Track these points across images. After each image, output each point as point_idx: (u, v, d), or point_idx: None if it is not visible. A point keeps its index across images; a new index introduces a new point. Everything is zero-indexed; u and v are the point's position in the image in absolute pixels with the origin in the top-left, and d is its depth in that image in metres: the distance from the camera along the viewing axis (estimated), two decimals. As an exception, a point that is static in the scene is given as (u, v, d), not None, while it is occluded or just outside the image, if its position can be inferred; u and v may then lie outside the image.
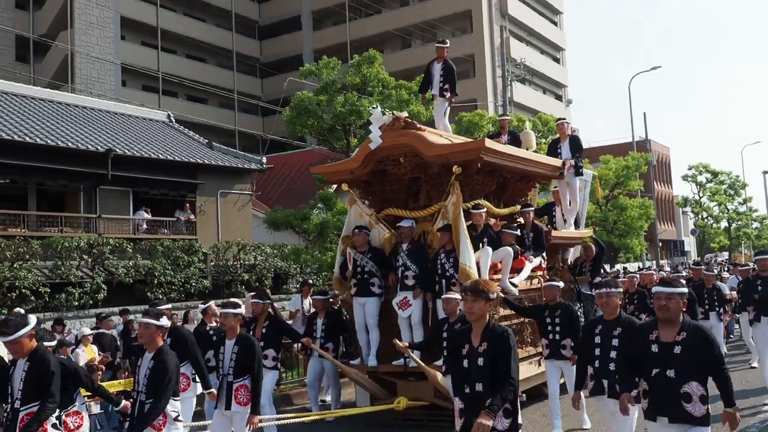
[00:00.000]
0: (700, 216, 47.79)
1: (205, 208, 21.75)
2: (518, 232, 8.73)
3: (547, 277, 9.07)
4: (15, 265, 14.21)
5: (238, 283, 17.98)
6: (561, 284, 7.67)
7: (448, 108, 10.13)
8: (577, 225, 10.68)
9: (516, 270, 8.40)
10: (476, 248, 7.77)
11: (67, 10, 37.01)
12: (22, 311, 10.84)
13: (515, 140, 10.85)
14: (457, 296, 6.64)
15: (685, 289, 4.57)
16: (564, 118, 11.03)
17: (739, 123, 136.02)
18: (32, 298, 13.97)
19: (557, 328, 7.42)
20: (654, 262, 40.02)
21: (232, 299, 6.73)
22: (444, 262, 7.80)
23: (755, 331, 9.65)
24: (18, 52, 37.44)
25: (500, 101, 40.39)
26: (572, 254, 10.91)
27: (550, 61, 51.42)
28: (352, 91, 24.89)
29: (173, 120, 25.52)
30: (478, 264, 7.60)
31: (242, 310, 6.26)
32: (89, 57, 36.20)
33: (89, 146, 18.50)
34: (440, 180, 8.13)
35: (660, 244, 43.21)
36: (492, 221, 8.35)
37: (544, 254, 9.18)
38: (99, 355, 10.21)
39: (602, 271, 10.70)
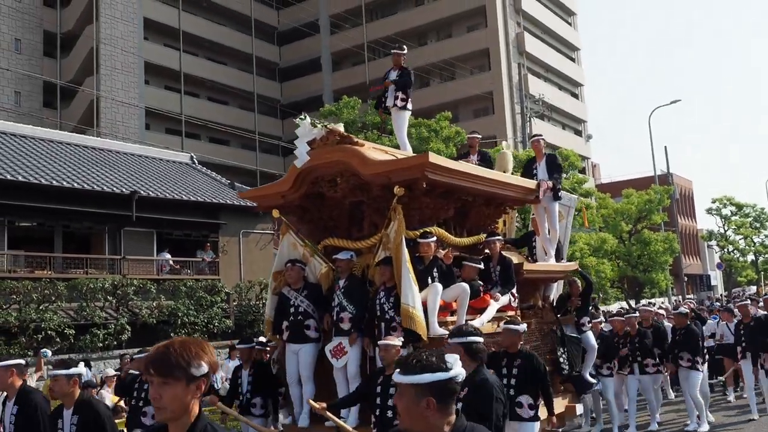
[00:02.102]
0: (726, 250, 47.14)
1: (228, 248, 21.88)
2: (481, 265, 7.28)
3: (518, 318, 7.70)
4: (41, 307, 14.34)
5: (261, 323, 17.97)
6: (522, 327, 6.36)
7: (405, 121, 8.74)
8: (559, 256, 9.28)
9: (478, 310, 7.00)
10: (424, 284, 6.47)
11: (93, 56, 37.93)
12: (49, 353, 10.94)
13: (486, 160, 9.57)
14: (397, 342, 5.78)
15: None
16: (540, 134, 9.69)
17: (762, 155, 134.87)
18: (58, 339, 14.07)
19: (512, 382, 6.11)
20: (680, 296, 39.41)
21: (63, 357, 6.33)
22: (383, 302, 6.47)
23: None
24: (45, 98, 38.34)
25: (519, 137, 40.56)
26: (555, 291, 9.57)
27: (569, 97, 51.55)
28: (372, 130, 25.18)
29: (196, 161, 25.86)
30: (425, 304, 6.32)
31: (79, 370, 5.14)
32: (114, 101, 36.97)
33: (114, 189, 18.78)
34: (384, 204, 6.71)
35: (686, 278, 42.61)
36: (441, 252, 6.88)
37: (514, 291, 7.59)
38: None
39: (591, 309, 9.55)
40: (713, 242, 48.57)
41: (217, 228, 21.78)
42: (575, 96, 53.14)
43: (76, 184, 17.89)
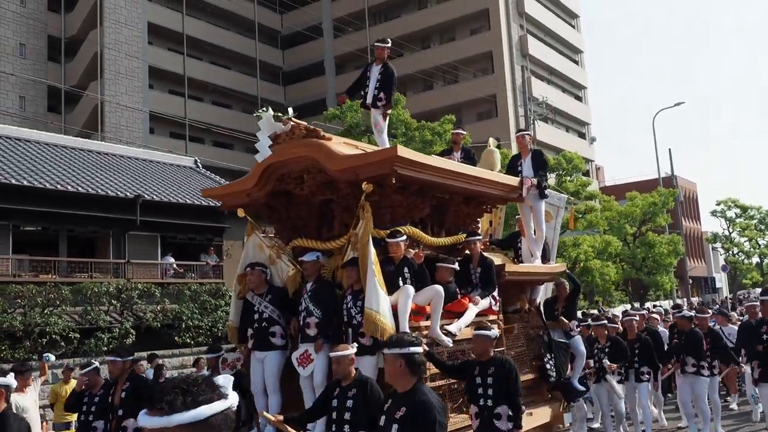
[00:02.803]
0: (730, 252, 46.98)
1: (232, 252, 21.86)
2: (455, 266, 6.80)
3: (500, 323, 7.26)
4: (46, 311, 14.35)
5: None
6: (494, 333, 5.88)
7: (384, 121, 8.15)
8: (545, 257, 8.77)
9: (456, 314, 6.55)
10: (395, 287, 6.07)
11: (97, 61, 37.97)
12: (52, 357, 10.94)
13: (470, 158, 9.11)
14: (349, 352, 5.20)
15: None
16: (525, 130, 9.01)
17: (766, 156, 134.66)
18: (62, 343, 14.07)
19: (489, 392, 5.66)
20: (684, 299, 39.30)
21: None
22: (350, 306, 6.08)
23: (762, 393, 8.18)
24: (50, 102, 38.42)
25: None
26: (542, 294, 9.07)
27: (572, 100, 51.44)
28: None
29: (200, 165, 25.85)
30: (395, 307, 5.90)
31: (6, 381, 5.28)
32: (118, 106, 37.02)
33: (118, 193, 18.80)
34: (354, 202, 6.32)
35: (690, 281, 42.48)
36: (411, 252, 6.41)
37: (495, 294, 7.14)
38: None
39: (577, 312, 9.17)
40: (718, 244, 48.44)
41: (221, 232, 21.78)
42: (579, 98, 53.03)
43: (80, 189, 17.92)
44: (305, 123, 6.40)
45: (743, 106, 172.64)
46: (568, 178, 28.13)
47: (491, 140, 10.01)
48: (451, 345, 6.19)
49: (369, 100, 8.03)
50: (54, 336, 13.90)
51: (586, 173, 37.54)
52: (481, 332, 5.80)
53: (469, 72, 45.00)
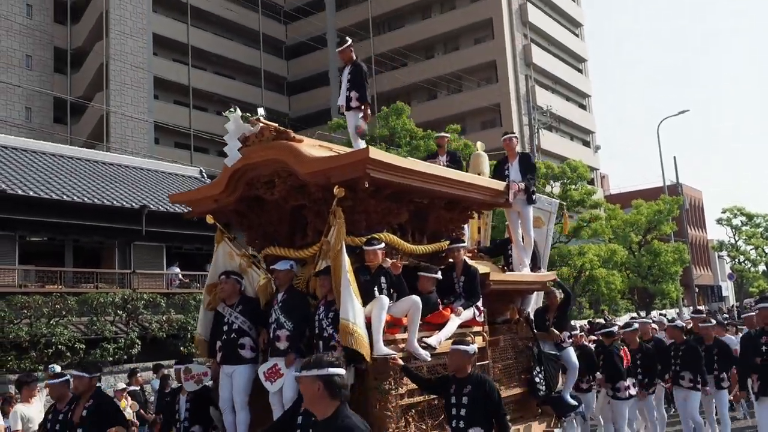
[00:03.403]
0: (737, 260, 46.82)
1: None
2: (437, 275, 6.40)
3: (484, 335, 6.81)
4: (52, 322, 14.36)
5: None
6: (472, 348, 5.45)
7: (362, 121, 7.60)
8: (536, 265, 8.38)
9: (437, 326, 6.19)
10: (371, 297, 5.73)
11: (103, 72, 38.16)
12: (58, 368, 10.98)
13: (456, 161, 8.80)
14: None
15: None
16: (511, 132, 8.76)
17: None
18: (68, 354, 14.08)
19: (462, 412, 5.28)
20: (690, 307, 39.16)
21: None
22: (322, 318, 5.74)
23: (759, 411, 7.58)
24: (56, 113, 38.58)
25: (528, 149, 40.55)
26: (533, 303, 8.69)
27: (577, 108, 51.41)
28: (380, 143, 25.26)
29: (205, 175, 25.88)
30: (369, 319, 5.55)
31: None
32: (124, 116, 37.17)
33: (124, 203, 18.84)
34: (327, 207, 5.96)
35: (696, 289, 42.34)
36: (389, 262, 6.04)
37: (479, 304, 6.76)
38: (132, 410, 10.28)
39: (569, 323, 8.71)
40: (724, 253, 48.24)
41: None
42: (583, 107, 53.02)
43: (86, 199, 17.97)
44: (275, 124, 6.01)
45: (751, 114, 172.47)
46: (573, 186, 28.12)
47: (479, 144, 9.76)
48: (429, 359, 5.82)
49: (342, 102, 7.57)
50: (60, 346, 13.89)
51: (591, 182, 37.52)
52: (458, 347, 5.40)
53: (473, 81, 45.07)
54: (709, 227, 58.05)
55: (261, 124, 6.00)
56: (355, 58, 7.57)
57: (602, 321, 18.81)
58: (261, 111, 6.05)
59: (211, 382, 6.43)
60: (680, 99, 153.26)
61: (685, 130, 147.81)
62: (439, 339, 6.02)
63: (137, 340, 15.27)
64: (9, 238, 17.35)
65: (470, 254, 7.96)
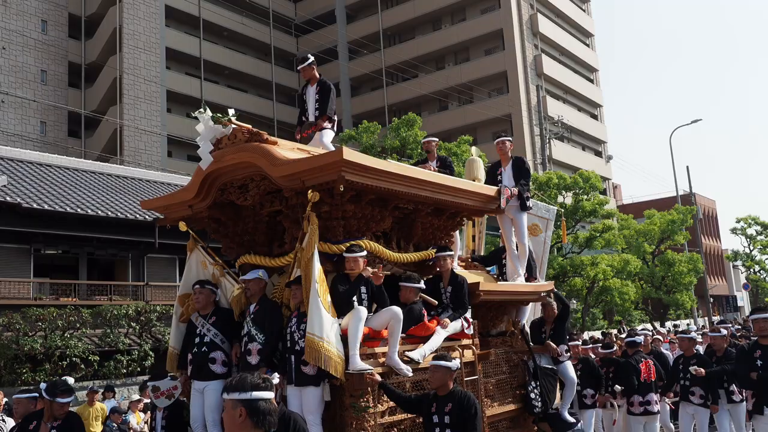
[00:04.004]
0: (752, 270, 46.39)
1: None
2: (420, 285, 6.07)
3: (473, 348, 6.44)
4: (66, 334, 14.47)
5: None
6: (454, 364, 5.11)
7: (329, 135, 7.33)
8: (531, 274, 7.94)
9: (422, 338, 5.87)
10: (349, 307, 5.41)
11: (116, 86, 38.55)
12: (71, 380, 11.05)
13: (447, 166, 8.42)
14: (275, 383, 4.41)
15: None
16: (505, 135, 8.34)
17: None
18: (82, 366, 14.18)
19: None
20: (705, 318, 38.79)
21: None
22: (293, 330, 5.42)
23: (757, 427, 7.09)
24: (70, 127, 38.94)
25: (539, 159, 40.50)
26: (529, 315, 8.26)
27: (588, 118, 51.24)
28: (392, 154, 25.31)
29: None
30: (345, 332, 5.22)
31: None
32: (137, 130, 37.47)
33: (137, 216, 18.97)
34: (303, 213, 5.61)
35: (711, 299, 42.00)
36: (369, 271, 5.66)
37: (468, 316, 6.41)
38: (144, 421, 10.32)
39: (567, 336, 8.28)
40: (739, 262, 47.84)
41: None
42: (595, 117, 52.83)
43: (100, 212, 18.13)
44: (248, 125, 5.71)
45: (760, 117, 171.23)
46: (585, 197, 28.03)
47: (474, 149, 9.44)
48: (410, 374, 5.45)
49: (312, 118, 7.34)
50: (74, 359, 14.01)
51: (603, 192, 37.39)
52: (439, 363, 5.04)
53: (484, 92, 45.07)
54: (723, 237, 57.65)
55: (233, 126, 5.68)
56: (318, 76, 7.37)
57: (615, 332, 18.70)
58: (232, 111, 5.76)
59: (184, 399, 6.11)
60: (693, 108, 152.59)
61: (698, 139, 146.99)
62: (423, 353, 5.67)
63: (150, 352, 15.35)
64: (24, 251, 17.52)
65: (463, 263, 7.70)
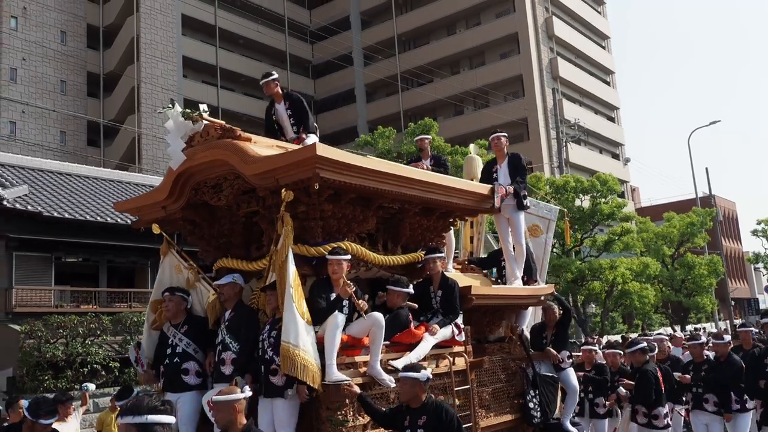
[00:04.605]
0: (773, 272, 45.80)
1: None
2: (408, 289, 5.69)
3: (465, 356, 6.04)
4: (87, 341, 14.58)
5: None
6: (423, 375, 4.64)
7: (313, 140, 6.89)
8: (530, 277, 7.54)
9: (409, 346, 5.51)
10: (326, 313, 5.02)
11: (134, 95, 38.97)
12: (92, 386, 11.16)
13: (441, 165, 8.02)
14: (235, 397, 4.11)
15: None
16: (500, 131, 7.86)
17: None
18: (103, 373, 14.27)
19: None
20: (727, 321, 38.34)
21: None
22: (265, 338, 5.09)
23: None
24: (89, 136, 39.36)
25: (556, 162, 40.33)
26: (529, 320, 7.81)
27: (605, 121, 50.87)
28: (408, 160, 25.38)
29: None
30: (321, 340, 4.86)
31: None
32: (155, 138, 37.76)
33: (156, 223, 19.14)
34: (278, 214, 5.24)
35: (733, 302, 41.53)
36: (350, 289, 5.21)
37: (459, 321, 6.05)
38: None
39: (569, 341, 7.86)
40: (760, 265, 47.28)
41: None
42: (611, 120, 52.46)
43: (119, 220, 18.25)
44: (221, 121, 5.38)
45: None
46: (603, 200, 27.88)
47: (472, 147, 9.11)
48: (393, 384, 5.10)
49: (289, 135, 7.06)
50: (95, 366, 14.12)
51: (621, 195, 37.14)
52: (407, 374, 4.68)
53: (500, 96, 44.94)
54: (744, 239, 56.95)
55: (205, 122, 5.32)
56: (281, 91, 7.06)
57: (635, 336, 18.50)
58: (203, 107, 5.44)
59: None
60: (708, 109, 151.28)
61: (717, 140, 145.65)
62: (409, 361, 5.27)
63: (170, 359, 15.44)
64: (45, 259, 17.69)
65: (460, 266, 7.37)
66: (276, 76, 7.19)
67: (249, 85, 45.64)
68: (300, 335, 4.68)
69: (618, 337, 23.78)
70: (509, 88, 45.05)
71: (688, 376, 7.69)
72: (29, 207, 16.71)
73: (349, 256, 5.25)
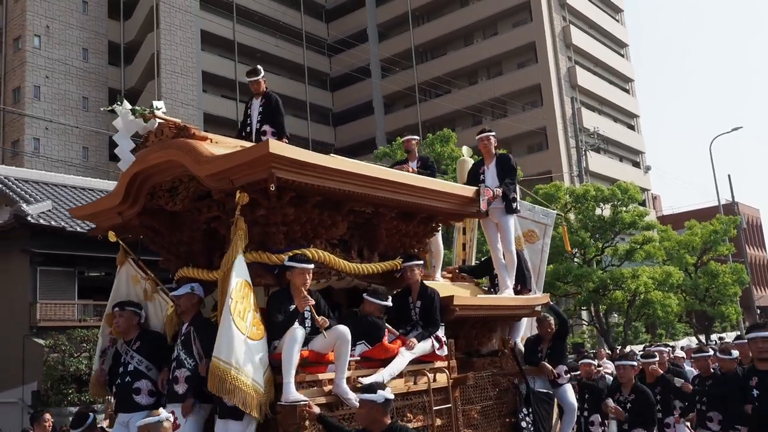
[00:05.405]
0: (800, 279, 45.07)
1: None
2: (386, 302, 5.26)
3: (447, 372, 5.53)
4: (110, 355, 14.78)
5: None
6: (380, 397, 4.09)
7: None
8: (524, 286, 7.09)
9: (383, 361, 5.08)
10: (283, 327, 4.61)
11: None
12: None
13: (429, 167, 7.64)
14: (156, 419, 3.92)
15: None
16: (488, 130, 7.54)
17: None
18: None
19: None
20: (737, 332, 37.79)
21: None
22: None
23: None
24: (111, 152, 40.01)
25: (575, 171, 40.10)
26: (524, 332, 7.37)
27: (625, 129, 50.38)
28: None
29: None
30: (278, 357, 4.45)
31: None
32: (175, 152, 38.37)
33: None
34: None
35: (758, 311, 40.93)
36: (308, 303, 4.74)
37: (440, 334, 5.57)
38: None
39: (566, 355, 7.30)
40: (786, 272, 46.67)
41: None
42: (631, 128, 51.99)
43: (141, 235, 18.53)
44: (176, 120, 5.00)
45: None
46: (624, 208, 27.68)
47: (465, 149, 8.78)
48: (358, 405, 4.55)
49: (253, 136, 6.81)
50: (118, 379, 14.27)
51: (643, 203, 36.84)
52: (364, 397, 4.16)
53: (518, 106, 44.79)
54: (769, 246, 56.20)
55: (159, 120, 4.92)
56: (265, 89, 6.84)
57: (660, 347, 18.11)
58: (157, 104, 5.07)
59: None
60: (731, 114, 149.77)
61: (739, 146, 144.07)
62: (382, 378, 4.82)
63: (191, 373, 15.51)
64: (69, 273, 17.90)
65: (450, 275, 7.00)
66: (262, 74, 6.98)
67: (268, 98, 46.03)
68: (234, 351, 4.22)
69: (640, 347, 23.52)
70: (527, 98, 44.91)
71: (690, 385, 7.14)
72: (53, 222, 16.95)
73: (311, 265, 4.78)
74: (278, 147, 4.44)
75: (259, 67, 7.01)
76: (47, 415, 6.87)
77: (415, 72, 47.37)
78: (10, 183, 19.51)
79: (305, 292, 4.68)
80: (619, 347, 25.65)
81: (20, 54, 37.32)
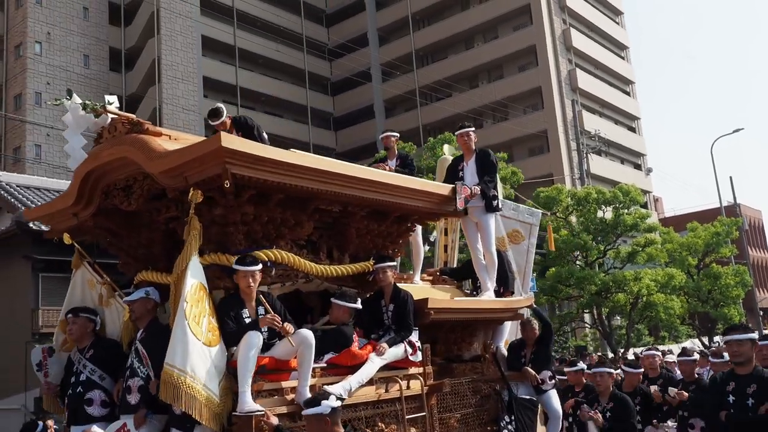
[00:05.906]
0: (803, 281, 45.00)
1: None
2: (354, 304, 5.02)
3: (421, 379, 5.30)
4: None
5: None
6: (325, 408, 3.86)
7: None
8: (506, 288, 6.79)
9: (351, 368, 4.83)
10: (237, 334, 4.37)
11: (156, 115, 39.18)
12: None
13: (408, 165, 7.39)
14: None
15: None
16: (468, 126, 7.00)
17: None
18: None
19: None
20: (756, 333, 37.71)
21: None
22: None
23: None
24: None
25: (577, 174, 40.12)
26: (507, 336, 7.04)
27: (626, 131, 50.30)
28: (427, 174, 25.42)
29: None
30: (235, 365, 4.22)
31: None
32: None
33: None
34: (201, 219, 4.55)
35: (761, 312, 40.88)
36: (260, 303, 4.53)
37: (414, 339, 5.31)
38: None
39: (551, 360, 7.00)
40: (789, 274, 46.63)
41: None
42: (632, 130, 51.94)
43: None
44: (130, 114, 4.72)
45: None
46: (626, 211, 27.68)
47: (446, 147, 8.41)
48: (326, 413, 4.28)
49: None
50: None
51: (644, 205, 36.83)
52: (309, 412, 3.91)
53: (519, 109, 44.79)
54: (772, 248, 56.14)
55: (111, 116, 4.65)
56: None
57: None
58: (109, 98, 4.77)
59: None
60: (731, 115, 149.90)
61: (741, 149, 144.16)
62: (349, 386, 4.59)
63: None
64: (70, 280, 17.97)
65: (431, 277, 6.74)
66: (223, 118, 6.49)
67: (269, 103, 46.08)
68: (190, 358, 3.96)
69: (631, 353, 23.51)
70: (528, 101, 44.95)
71: (685, 393, 6.69)
72: (55, 229, 16.99)
73: (255, 267, 4.47)
74: (232, 141, 4.16)
75: (220, 106, 6.52)
76: (50, 422, 6.83)
77: (416, 76, 47.45)
78: (12, 189, 19.53)
79: (267, 306, 4.43)
80: (622, 350, 25.65)
81: (21, 61, 37.45)
